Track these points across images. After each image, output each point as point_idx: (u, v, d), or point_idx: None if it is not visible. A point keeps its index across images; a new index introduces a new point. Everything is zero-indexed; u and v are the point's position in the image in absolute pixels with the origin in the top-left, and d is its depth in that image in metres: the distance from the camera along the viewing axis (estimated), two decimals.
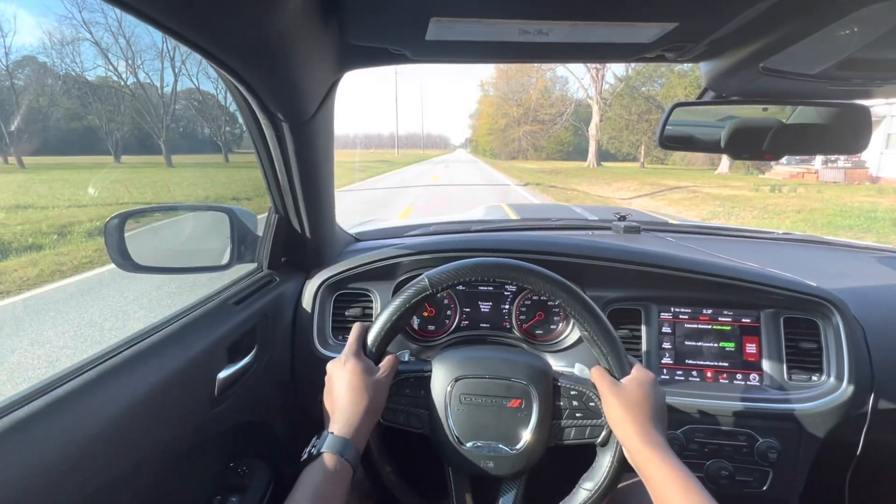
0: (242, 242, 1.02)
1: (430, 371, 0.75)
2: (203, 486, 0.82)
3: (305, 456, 0.62)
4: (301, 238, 1.06)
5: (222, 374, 0.79)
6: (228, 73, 0.64)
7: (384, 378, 0.70)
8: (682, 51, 0.75)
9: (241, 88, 0.71)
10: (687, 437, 0.92)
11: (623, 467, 0.68)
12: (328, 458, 0.60)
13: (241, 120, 0.88)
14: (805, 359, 0.95)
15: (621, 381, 0.67)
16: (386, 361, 0.72)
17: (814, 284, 0.96)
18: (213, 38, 0.55)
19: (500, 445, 0.71)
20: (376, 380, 0.69)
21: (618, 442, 0.67)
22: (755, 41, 0.67)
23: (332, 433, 0.63)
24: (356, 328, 0.75)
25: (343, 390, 0.67)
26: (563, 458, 0.76)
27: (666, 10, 0.62)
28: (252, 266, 1.06)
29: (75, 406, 0.54)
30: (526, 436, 0.70)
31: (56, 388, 0.55)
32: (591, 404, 0.71)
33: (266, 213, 1.06)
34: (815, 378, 0.94)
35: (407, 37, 0.72)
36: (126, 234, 0.89)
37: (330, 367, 0.72)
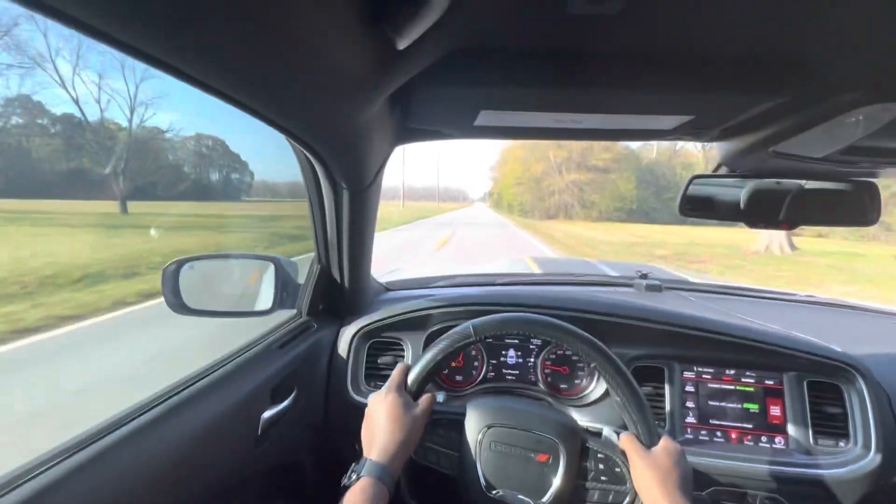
0: (285, 289, 1.10)
1: (465, 415, 0.79)
2: None
3: (346, 481, 0.66)
4: (338, 287, 1.13)
5: (266, 415, 0.84)
6: (306, 150, 0.75)
7: (421, 413, 0.75)
8: (699, 135, 0.84)
9: (314, 161, 0.81)
10: (713, 499, 0.92)
11: None
12: (367, 482, 0.64)
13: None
14: (831, 423, 0.95)
15: (651, 449, 0.70)
16: (424, 399, 0.77)
17: (837, 349, 0.97)
18: (305, 128, 0.65)
19: (525, 497, 0.73)
20: (414, 414, 0.74)
21: None
22: (764, 129, 0.75)
23: (370, 459, 0.68)
24: (399, 367, 0.81)
25: (382, 420, 0.72)
26: None
27: (683, 105, 0.70)
28: (291, 312, 1.14)
29: (146, 439, 0.60)
30: (550, 491, 0.72)
31: (131, 422, 0.61)
32: (616, 469, 0.73)
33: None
34: (842, 444, 0.93)
35: (458, 123, 0.82)
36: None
37: (371, 399, 0.77)
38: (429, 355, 0.78)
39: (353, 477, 0.65)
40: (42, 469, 0.50)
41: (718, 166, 0.97)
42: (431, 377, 0.79)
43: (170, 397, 0.69)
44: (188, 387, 0.73)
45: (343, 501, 0.62)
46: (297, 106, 0.56)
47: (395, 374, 0.80)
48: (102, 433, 0.58)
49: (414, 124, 0.84)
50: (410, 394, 0.77)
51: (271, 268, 1.11)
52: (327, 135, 0.70)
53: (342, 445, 1.05)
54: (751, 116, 0.72)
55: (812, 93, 0.62)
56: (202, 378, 0.76)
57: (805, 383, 0.97)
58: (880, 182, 0.93)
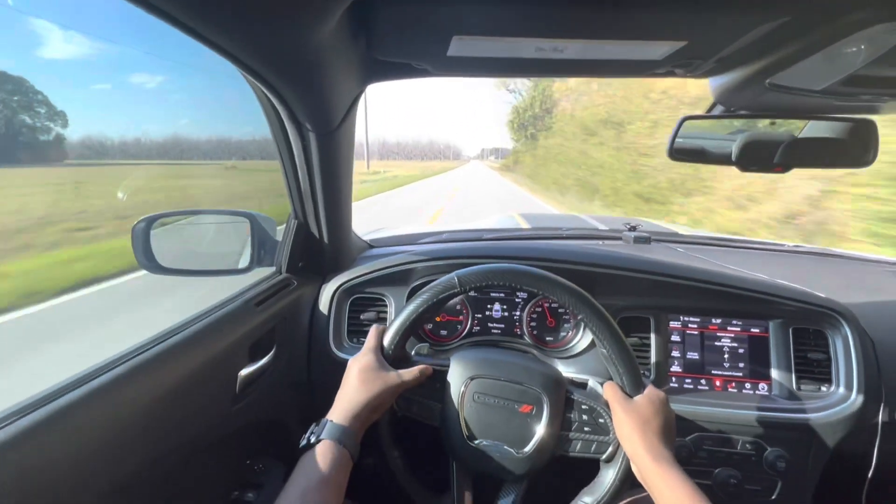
0: (262, 247, 1.06)
1: (448, 366, 0.77)
2: (223, 480, 0.85)
3: (304, 442, 0.63)
4: (319, 243, 1.09)
5: (243, 372, 0.82)
6: (262, 84, 0.68)
7: (396, 380, 0.71)
8: (691, 67, 0.78)
9: (273, 99, 0.75)
10: (695, 445, 0.93)
11: (626, 485, 0.69)
12: (327, 446, 0.61)
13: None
14: (814, 369, 0.95)
15: (634, 398, 0.69)
16: (410, 371, 0.73)
17: (822, 296, 0.97)
18: (253, 52, 0.59)
19: (508, 447, 0.73)
20: (386, 378, 0.70)
21: (623, 459, 0.69)
22: (762, 58, 0.70)
23: (331, 420, 0.65)
24: (373, 329, 0.78)
25: (352, 380, 0.70)
26: (566, 470, 0.78)
27: (676, 29, 0.65)
28: (271, 270, 1.10)
29: (112, 396, 0.58)
30: (533, 442, 0.72)
31: (94, 379, 0.58)
32: (600, 420, 0.72)
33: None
34: (824, 388, 0.94)
35: (429, 53, 0.75)
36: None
37: (349, 362, 0.75)
38: (409, 308, 0.76)
39: (312, 440, 0.62)
40: None
41: (712, 105, 0.92)
42: (411, 333, 0.77)
43: (138, 354, 0.66)
44: (157, 344, 0.69)
45: (299, 466, 0.59)
46: (237, 18, 0.50)
47: (370, 335, 0.77)
48: (64, 390, 0.55)
49: (381, 56, 0.77)
50: (390, 351, 0.75)
51: (247, 225, 1.07)
52: (280, 62, 0.63)
53: (326, 402, 1.03)
54: (747, 44, 0.66)
55: (814, 12, 0.57)
56: (173, 335, 0.73)
57: (790, 330, 0.97)
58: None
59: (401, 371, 0.73)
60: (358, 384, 0.69)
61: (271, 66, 0.64)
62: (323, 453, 0.60)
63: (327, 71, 0.69)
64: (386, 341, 0.76)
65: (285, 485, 0.57)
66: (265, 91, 0.72)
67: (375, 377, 0.70)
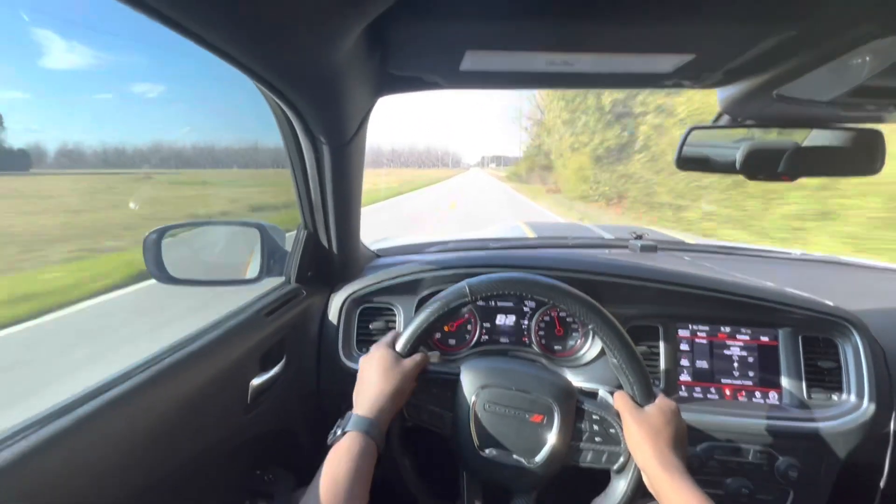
0: (272, 257, 1.07)
1: (459, 375, 0.78)
2: (234, 489, 0.85)
3: (332, 437, 0.64)
4: (327, 253, 1.10)
5: (255, 382, 0.83)
6: (279, 98, 0.70)
7: (411, 366, 0.74)
8: (699, 79, 0.79)
9: (289, 112, 0.76)
10: (706, 455, 0.92)
11: (637, 495, 0.69)
12: (353, 438, 0.62)
13: None
14: (824, 378, 0.95)
15: (644, 407, 0.69)
16: (417, 355, 0.76)
17: (832, 304, 0.97)
18: (273, 68, 0.60)
19: (518, 457, 0.72)
20: (403, 367, 0.73)
21: (634, 470, 0.69)
22: (769, 70, 0.71)
23: (356, 414, 0.66)
24: (391, 333, 0.81)
25: (370, 375, 0.72)
26: (577, 480, 0.77)
27: (685, 42, 0.66)
28: (280, 280, 1.11)
29: (127, 407, 0.58)
30: (544, 452, 0.72)
31: (109, 391, 0.58)
32: (611, 430, 0.72)
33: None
34: (834, 397, 0.94)
35: (442, 67, 0.77)
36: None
37: (361, 360, 0.77)
38: (422, 316, 0.76)
39: (339, 433, 0.64)
40: (15, 438, 0.48)
41: (719, 115, 0.93)
42: (423, 340, 0.77)
43: (152, 365, 0.67)
44: (170, 355, 0.70)
45: (329, 458, 0.60)
46: (259, 37, 0.51)
47: (386, 336, 0.79)
48: (79, 402, 0.56)
49: (395, 70, 0.79)
50: (403, 355, 0.76)
51: (257, 235, 1.08)
52: (298, 77, 0.65)
53: (335, 411, 1.04)
54: (754, 56, 0.67)
55: (820, 25, 0.58)
56: (186, 346, 0.74)
57: (800, 339, 0.96)
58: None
59: (412, 357, 0.76)
60: (377, 378, 0.71)
61: (290, 81, 0.66)
62: (349, 445, 0.61)
63: (343, 85, 0.71)
64: (399, 347, 0.77)
65: (315, 476, 0.59)
66: (281, 105, 0.73)
67: (393, 367, 0.72)
